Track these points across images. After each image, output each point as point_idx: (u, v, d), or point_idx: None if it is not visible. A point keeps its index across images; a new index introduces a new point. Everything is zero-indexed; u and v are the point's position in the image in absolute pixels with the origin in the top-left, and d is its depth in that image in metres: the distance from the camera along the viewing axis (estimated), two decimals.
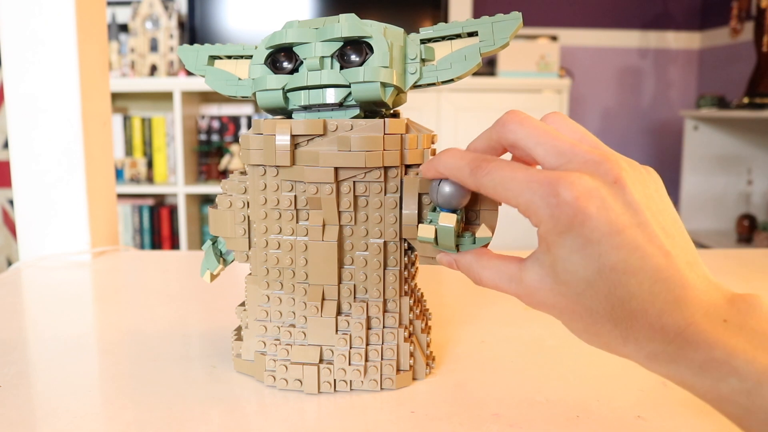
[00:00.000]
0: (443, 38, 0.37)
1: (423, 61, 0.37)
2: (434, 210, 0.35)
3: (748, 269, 0.67)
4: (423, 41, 0.37)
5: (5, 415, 0.35)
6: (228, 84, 0.40)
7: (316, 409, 0.35)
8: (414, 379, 0.39)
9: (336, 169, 0.35)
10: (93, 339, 0.47)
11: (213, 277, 0.40)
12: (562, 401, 0.36)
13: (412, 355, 0.39)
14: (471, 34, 0.36)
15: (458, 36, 0.36)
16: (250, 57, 0.39)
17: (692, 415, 0.35)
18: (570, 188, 0.27)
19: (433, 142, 0.38)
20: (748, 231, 2.34)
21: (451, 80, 0.37)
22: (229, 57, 0.40)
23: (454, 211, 0.34)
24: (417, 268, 0.40)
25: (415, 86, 0.37)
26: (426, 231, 0.33)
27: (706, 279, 0.28)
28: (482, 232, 0.34)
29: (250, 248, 0.39)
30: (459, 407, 0.36)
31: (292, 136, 0.35)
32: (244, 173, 0.39)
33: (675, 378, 0.27)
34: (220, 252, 0.41)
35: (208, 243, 0.41)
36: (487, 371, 0.41)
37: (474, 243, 0.34)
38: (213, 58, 0.40)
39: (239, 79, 0.39)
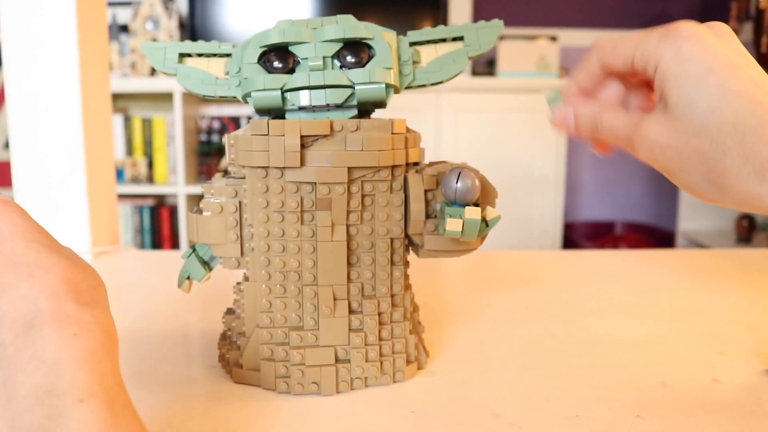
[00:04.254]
0: (428, 42, 0.39)
1: (414, 63, 0.38)
2: (446, 206, 0.36)
3: (748, 269, 0.67)
4: (411, 44, 0.38)
5: None
6: (205, 83, 0.38)
7: (315, 409, 0.36)
8: (418, 369, 0.40)
9: (348, 169, 0.35)
10: None
11: (190, 286, 0.39)
12: (562, 401, 0.36)
13: (416, 346, 0.40)
14: (455, 39, 0.38)
15: (443, 40, 0.38)
16: (226, 55, 0.38)
17: (692, 415, 0.35)
18: (688, 25, 0.28)
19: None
20: (747, 231, 2.34)
21: (440, 82, 0.38)
22: (200, 55, 0.38)
23: (476, 205, 0.35)
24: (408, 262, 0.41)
25: (407, 87, 0.38)
26: (454, 225, 0.34)
27: None
28: (491, 213, 0.35)
29: (242, 254, 0.38)
30: (459, 407, 0.36)
31: (301, 137, 0.35)
32: (225, 175, 0.38)
33: None
34: (202, 260, 0.39)
35: (189, 251, 0.39)
36: (487, 371, 0.41)
37: (487, 227, 0.35)
38: (183, 55, 0.38)
39: (217, 78, 0.38)
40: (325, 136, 0.35)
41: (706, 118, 0.26)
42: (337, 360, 0.37)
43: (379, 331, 0.38)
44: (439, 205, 0.36)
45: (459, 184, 0.34)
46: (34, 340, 0.23)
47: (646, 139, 0.28)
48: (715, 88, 0.26)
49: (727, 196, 0.27)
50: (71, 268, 0.26)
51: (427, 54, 0.38)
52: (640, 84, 0.33)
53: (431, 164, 0.38)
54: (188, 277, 0.39)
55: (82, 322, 0.24)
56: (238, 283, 0.42)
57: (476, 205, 0.35)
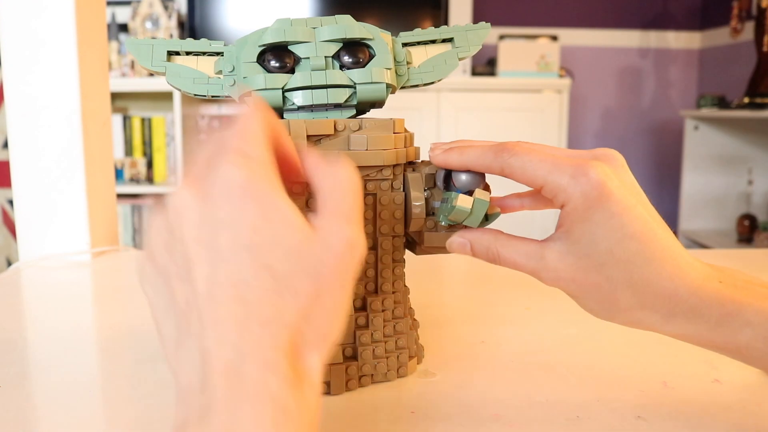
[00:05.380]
0: (419, 43, 0.39)
1: (407, 63, 0.39)
2: (442, 201, 0.36)
3: (749, 269, 0.67)
4: (403, 45, 0.39)
5: (5, 415, 0.35)
6: (197, 82, 0.37)
7: None
8: (418, 363, 0.41)
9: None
10: (93, 339, 0.47)
11: None
12: (562, 401, 0.36)
13: (415, 341, 0.40)
14: (445, 41, 0.39)
15: (433, 41, 0.39)
16: (216, 54, 0.37)
17: (692, 415, 0.35)
18: (597, 170, 0.31)
19: None
20: (748, 231, 2.33)
21: (432, 82, 0.39)
22: (188, 53, 0.38)
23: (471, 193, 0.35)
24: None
25: (401, 87, 0.39)
26: (465, 201, 0.34)
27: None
28: (492, 208, 0.36)
29: None
30: (459, 407, 0.36)
31: (308, 137, 0.35)
32: None
33: (693, 336, 0.31)
34: None
35: None
36: (487, 371, 0.41)
37: (487, 220, 0.35)
38: (171, 53, 0.37)
39: (209, 77, 0.37)
40: (328, 135, 0.35)
41: (605, 259, 0.31)
42: (345, 358, 0.37)
43: (384, 328, 0.38)
44: (440, 200, 0.37)
45: (465, 173, 0.35)
46: (233, 410, 0.20)
47: (553, 272, 0.32)
48: (614, 231, 0.30)
49: (615, 318, 0.32)
50: (297, 315, 0.21)
51: (418, 55, 0.39)
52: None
53: (425, 163, 0.38)
54: None
55: (283, 409, 0.20)
56: None
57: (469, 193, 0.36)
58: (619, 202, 0.30)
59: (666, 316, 0.31)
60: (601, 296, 0.31)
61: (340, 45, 0.36)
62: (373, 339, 0.37)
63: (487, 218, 0.35)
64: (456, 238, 0.35)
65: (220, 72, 0.37)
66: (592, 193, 0.30)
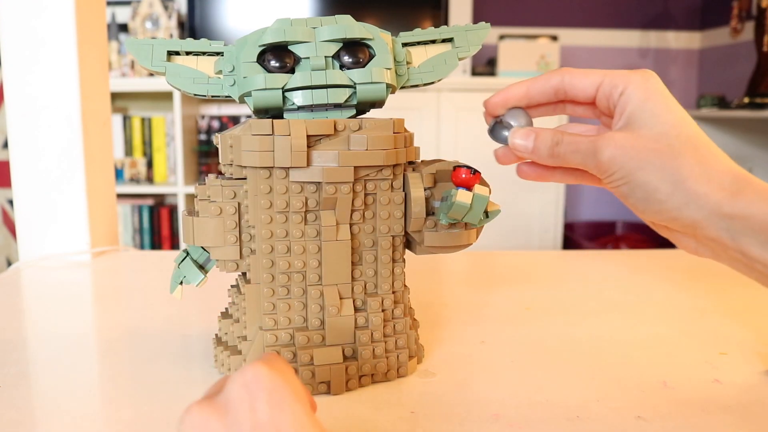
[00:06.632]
0: (419, 43, 0.39)
1: (407, 63, 0.39)
2: (442, 200, 0.37)
3: None
4: (403, 45, 0.39)
5: (5, 415, 0.35)
6: (196, 82, 0.37)
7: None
8: (418, 363, 0.41)
9: (354, 168, 0.35)
10: (93, 339, 0.47)
11: (182, 292, 0.39)
12: (562, 401, 0.36)
13: (415, 341, 0.40)
14: (445, 41, 0.40)
15: (433, 41, 0.40)
16: (216, 54, 0.37)
17: (693, 416, 0.35)
18: (644, 72, 0.34)
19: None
20: None
21: (432, 82, 0.39)
22: (188, 53, 0.37)
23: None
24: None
25: (401, 87, 0.39)
26: (464, 196, 0.35)
27: None
28: (491, 205, 0.36)
29: (241, 256, 0.37)
30: (459, 407, 0.36)
31: (308, 137, 0.34)
32: (219, 176, 0.37)
33: (763, 218, 0.30)
34: (197, 263, 0.38)
35: (182, 256, 0.39)
36: (487, 371, 0.41)
37: (487, 217, 0.36)
38: (171, 53, 0.37)
39: (209, 77, 0.37)
40: (327, 135, 0.35)
41: (666, 130, 0.32)
42: (345, 358, 0.37)
43: (383, 328, 0.38)
44: (440, 200, 0.37)
45: (513, 111, 0.37)
46: None
47: (611, 140, 0.33)
48: (674, 113, 0.32)
49: (676, 194, 0.31)
50: None
51: (418, 55, 0.39)
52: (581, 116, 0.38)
53: (425, 162, 0.39)
54: (180, 282, 0.38)
55: None
56: (233, 286, 0.41)
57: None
58: (670, 96, 0.33)
59: (733, 193, 0.31)
60: (661, 161, 0.32)
61: (340, 45, 0.36)
62: (372, 339, 0.37)
63: (487, 215, 0.35)
64: (519, 137, 0.37)
65: (220, 72, 0.37)
66: (650, 79, 0.33)
